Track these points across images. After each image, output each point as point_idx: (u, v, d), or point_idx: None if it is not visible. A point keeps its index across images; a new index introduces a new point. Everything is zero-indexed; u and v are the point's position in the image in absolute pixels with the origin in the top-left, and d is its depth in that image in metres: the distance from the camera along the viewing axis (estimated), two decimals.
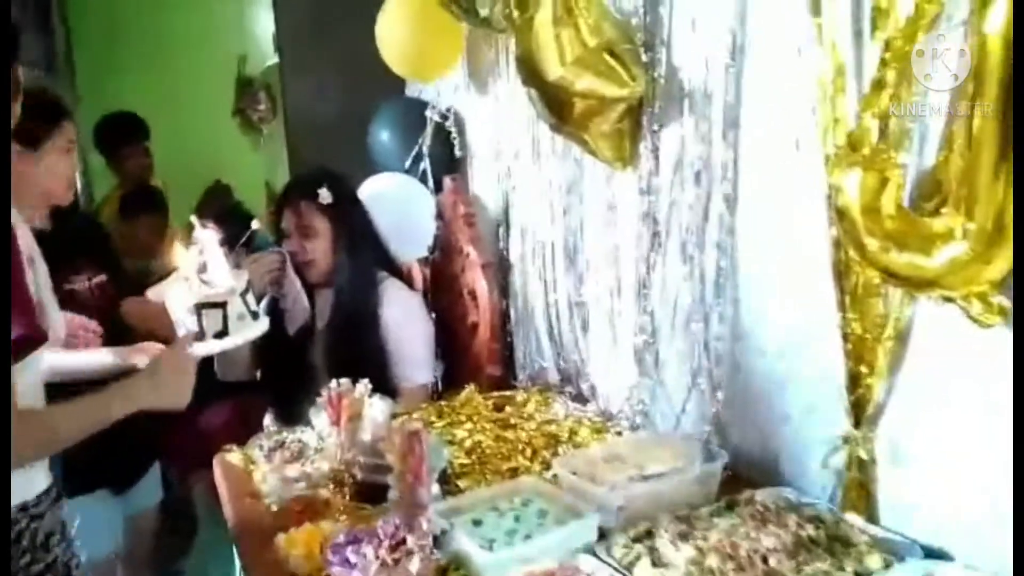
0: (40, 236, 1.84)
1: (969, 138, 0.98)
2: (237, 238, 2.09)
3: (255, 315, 1.78)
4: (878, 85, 1.12)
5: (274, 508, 1.56)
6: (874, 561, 1.17)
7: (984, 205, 0.97)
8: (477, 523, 1.37)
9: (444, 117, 2.59)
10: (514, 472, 1.62)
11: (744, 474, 1.54)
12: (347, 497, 1.55)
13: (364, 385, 1.64)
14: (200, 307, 1.66)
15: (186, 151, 4.07)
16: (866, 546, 1.20)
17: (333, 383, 1.64)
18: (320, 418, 1.69)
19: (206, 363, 1.95)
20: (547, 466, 1.62)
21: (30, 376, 1.35)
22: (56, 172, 1.70)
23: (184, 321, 1.67)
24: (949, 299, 1.07)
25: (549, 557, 1.23)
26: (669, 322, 1.74)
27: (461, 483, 1.58)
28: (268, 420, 2.20)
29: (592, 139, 1.73)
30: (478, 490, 1.52)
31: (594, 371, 2.06)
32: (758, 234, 1.50)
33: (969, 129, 0.98)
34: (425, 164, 2.60)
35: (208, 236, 1.73)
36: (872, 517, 1.30)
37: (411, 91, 2.86)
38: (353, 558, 1.19)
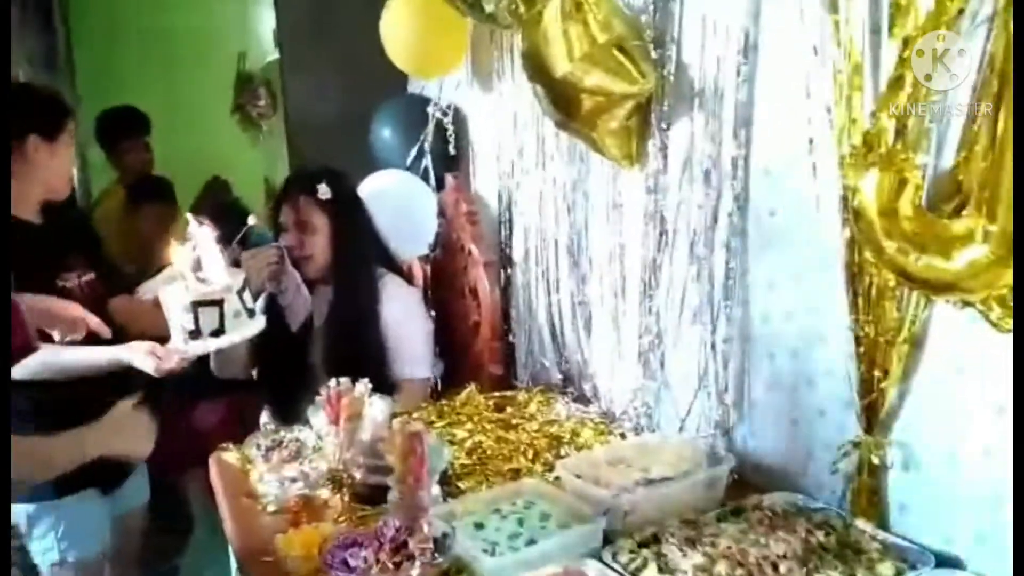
0: (31, 230, 1.82)
1: (992, 138, 0.96)
2: (234, 235, 2.06)
3: (251, 313, 1.76)
4: (896, 84, 1.10)
5: (271, 509, 1.53)
6: (886, 569, 1.16)
7: (1007, 207, 0.94)
8: (479, 526, 1.34)
9: (446, 114, 2.57)
10: (516, 473, 1.60)
11: (750, 479, 1.52)
12: (346, 498, 1.53)
13: (364, 384, 1.61)
14: (196, 305, 1.63)
15: (185, 147, 4.05)
16: (877, 553, 1.19)
17: (332, 382, 1.61)
18: (318, 417, 1.66)
19: (202, 360, 1.93)
20: (549, 468, 1.59)
21: None
22: (60, 165, 1.68)
23: (180, 319, 1.65)
24: (968, 303, 1.05)
25: (553, 562, 1.21)
26: (675, 323, 1.71)
27: (462, 484, 1.56)
28: (265, 418, 2.16)
29: (599, 136, 1.70)
30: (479, 492, 1.50)
31: (597, 372, 2.04)
32: (768, 235, 1.48)
33: (993, 129, 0.95)
34: (427, 161, 2.57)
35: (204, 233, 1.71)
36: (882, 523, 1.28)
37: (413, 87, 2.83)
38: (352, 561, 1.16)
